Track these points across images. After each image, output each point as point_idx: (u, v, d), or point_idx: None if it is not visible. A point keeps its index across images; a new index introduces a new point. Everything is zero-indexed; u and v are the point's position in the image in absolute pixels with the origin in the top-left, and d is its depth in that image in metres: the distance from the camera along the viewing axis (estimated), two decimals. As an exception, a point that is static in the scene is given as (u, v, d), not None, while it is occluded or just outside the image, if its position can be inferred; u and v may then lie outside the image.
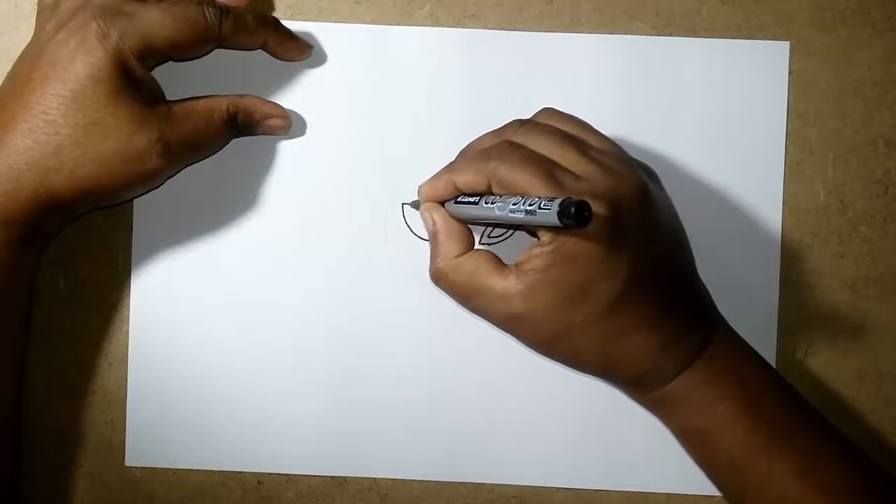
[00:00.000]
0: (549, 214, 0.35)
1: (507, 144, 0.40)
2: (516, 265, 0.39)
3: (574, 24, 0.46)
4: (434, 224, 0.42)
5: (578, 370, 0.42)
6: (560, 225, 0.34)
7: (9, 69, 0.41)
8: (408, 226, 0.45)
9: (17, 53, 0.41)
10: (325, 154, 0.46)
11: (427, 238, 0.45)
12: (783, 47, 0.45)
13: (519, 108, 0.45)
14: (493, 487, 0.46)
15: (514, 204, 0.37)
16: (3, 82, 0.41)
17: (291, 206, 0.46)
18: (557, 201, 0.34)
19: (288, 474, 0.46)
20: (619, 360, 0.40)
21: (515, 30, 0.46)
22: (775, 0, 0.46)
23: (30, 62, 0.40)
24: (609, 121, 0.45)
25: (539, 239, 0.39)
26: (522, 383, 0.45)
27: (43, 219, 0.40)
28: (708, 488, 0.44)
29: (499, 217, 0.38)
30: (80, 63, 0.39)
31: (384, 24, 0.46)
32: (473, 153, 0.42)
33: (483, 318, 0.41)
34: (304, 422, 0.45)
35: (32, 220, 0.40)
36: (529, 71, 0.45)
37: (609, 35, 0.46)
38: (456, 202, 0.41)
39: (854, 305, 0.46)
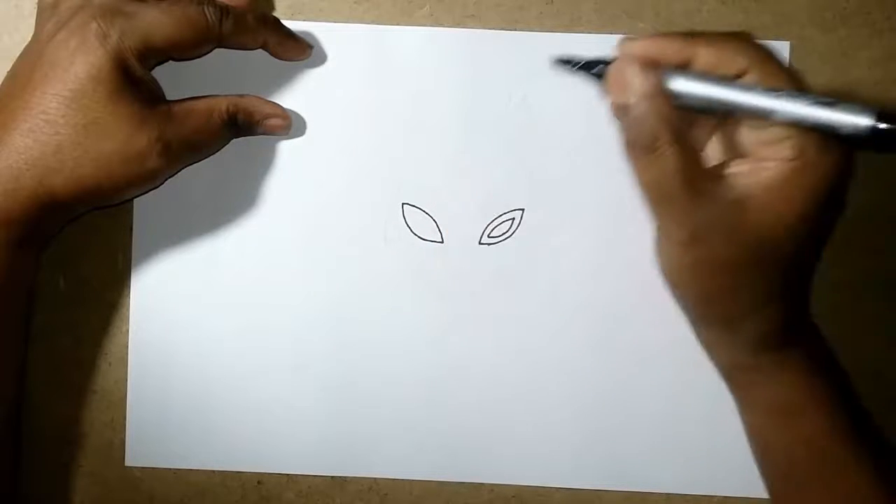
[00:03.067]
0: (860, 118, 0.33)
1: (767, 47, 0.37)
2: (727, 173, 0.37)
3: (574, 24, 0.46)
4: (647, 89, 0.36)
5: (720, 308, 0.39)
6: (866, 134, 0.32)
7: (9, 69, 0.41)
8: (408, 226, 0.45)
9: (17, 53, 0.41)
10: (325, 154, 0.46)
11: (427, 238, 0.45)
12: (783, 47, 0.45)
13: (518, 109, 0.45)
14: (493, 487, 0.46)
15: (794, 99, 0.34)
16: (3, 82, 0.41)
17: (291, 206, 0.46)
18: (873, 110, 0.32)
19: (288, 474, 0.46)
20: (771, 307, 0.38)
21: (515, 30, 0.46)
22: (775, 0, 0.46)
23: (30, 62, 0.40)
24: (609, 121, 0.45)
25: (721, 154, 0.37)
26: (522, 383, 0.45)
27: (43, 219, 0.40)
28: (707, 488, 0.44)
29: (762, 105, 0.35)
30: (80, 63, 0.39)
31: (384, 24, 0.46)
32: (719, 35, 0.38)
33: (671, 217, 0.37)
34: (305, 422, 0.45)
35: (32, 219, 0.40)
36: (529, 71, 0.45)
37: (609, 35, 0.45)
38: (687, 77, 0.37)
39: (854, 305, 0.46)
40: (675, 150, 0.36)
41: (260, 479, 0.46)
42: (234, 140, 0.44)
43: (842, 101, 0.33)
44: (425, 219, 0.45)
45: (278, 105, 0.44)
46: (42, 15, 0.42)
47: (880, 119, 0.32)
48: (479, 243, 0.45)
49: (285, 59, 0.45)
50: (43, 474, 0.46)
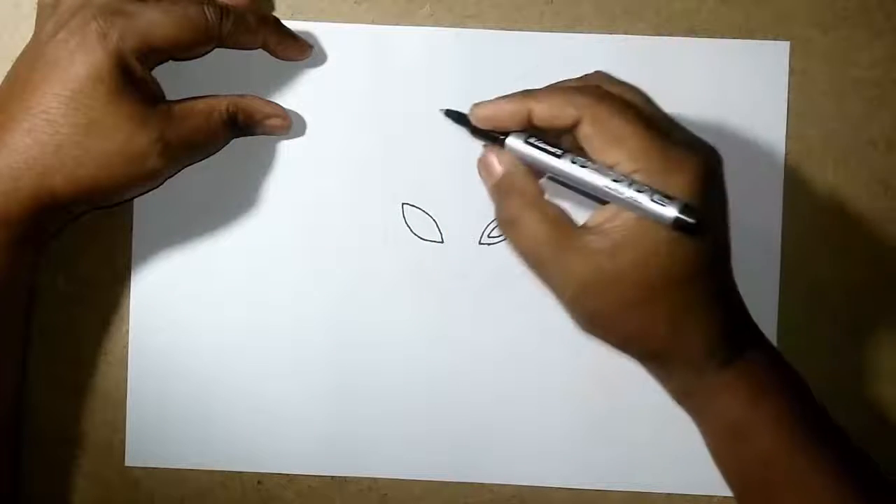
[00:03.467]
0: (663, 213, 0.34)
1: (602, 91, 0.38)
2: (590, 225, 0.38)
3: (574, 24, 0.46)
4: (502, 169, 0.39)
5: (632, 347, 0.40)
6: (669, 224, 0.34)
7: (9, 69, 0.41)
8: (408, 226, 0.46)
9: (17, 53, 0.41)
10: (325, 154, 0.46)
11: (427, 238, 0.45)
12: (783, 47, 0.45)
13: (519, 108, 0.45)
14: (493, 487, 0.46)
15: (617, 181, 0.36)
16: (3, 82, 0.41)
17: (291, 206, 0.46)
18: (677, 204, 0.34)
19: (288, 474, 0.46)
20: (686, 334, 0.39)
21: (515, 30, 0.46)
22: (775, 0, 0.46)
23: (30, 62, 0.40)
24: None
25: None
26: (523, 383, 0.45)
27: (43, 219, 0.40)
28: (708, 488, 0.44)
29: (586, 183, 0.37)
30: (80, 63, 0.39)
31: (384, 25, 0.46)
32: (560, 86, 0.40)
33: (552, 279, 0.39)
34: (304, 422, 0.45)
35: (32, 219, 0.40)
36: (529, 71, 0.45)
37: (609, 35, 0.46)
38: (528, 143, 0.39)
39: (854, 306, 0.46)
40: (537, 219, 0.38)
41: (260, 479, 0.46)
42: (234, 140, 0.44)
43: (652, 190, 0.35)
44: (425, 219, 0.45)
45: (278, 105, 0.44)
46: (42, 15, 0.42)
47: (682, 213, 0.34)
48: (479, 243, 0.45)
49: (285, 59, 0.45)
50: (43, 474, 0.46)
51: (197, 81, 0.45)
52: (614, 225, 0.37)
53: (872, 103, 0.46)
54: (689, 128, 0.45)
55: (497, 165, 0.40)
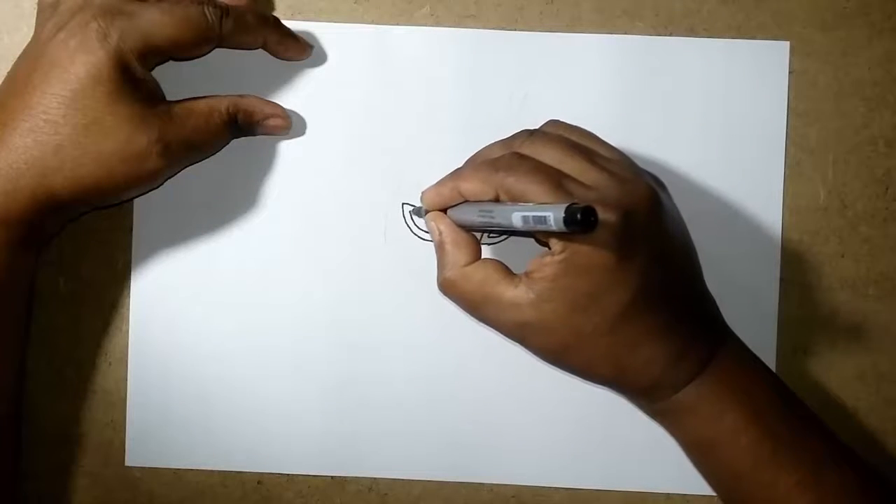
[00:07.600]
0: (556, 221, 0.35)
1: (516, 156, 0.40)
2: (526, 274, 0.39)
3: (574, 24, 0.46)
4: (440, 234, 0.42)
5: (588, 380, 0.42)
6: (566, 231, 0.34)
7: (9, 69, 0.41)
8: (408, 226, 0.45)
9: (17, 53, 0.41)
10: (325, 154, 0.46)
11: (427, 238, 0.45)
12: (783, 47, 0.45)
13: (519, 109, 0.45)
14: (493, 487, 0.46)
15: (518, 211, 0.37)
16: (3, 82, 0.41)
17: (291, 206, 0.46)
18: (563, 207, 0.34)
19: (288, 474, 0.46)
20: (629, 371, 0.40)
21: (515, 30, 0.46)
22: (775, 0, 0.46)
23: (30, 62, 0.40)
24: (609, 121, 0.45)
25: (549, 247, 0.39)
26: (522, 383, 0.45)
27: (43, 219, 0.40)
28: (707, 488, 0.43)
29: (504, 224, 0.38)
30: (81, 63, 0.39)
31: (384, 24, 0.46)
32: (480, 162, 0.42)
33: (492, 327, 0.41)
34: (305, 422, 0.45)
35: (32, 219, 0.40)
36: (529, 71, 0.45)
37: (609, 35, 0.46)
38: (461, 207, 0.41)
39: (854, 305, 0.46)
40: (473, 267, 0.40)
41: (260, 479, 0.46)
42: (234, 140, 0.44)
43: (550, 206, 0.36)
44: (425, 219, 0.45)
45: (278, 105, 0.44)
46: (42, 15, 0.42)
47: (567, 222, 0.34)
48: (480, 243, 0.45)
49: (285, 59, 0.45)
50: (43, 474, 0.46)
51: (197, 81, 0.45)
52: (542, 274, 0.38)
53: (872, 103, 0.46)
54: (689, 128, 0.45)
55: (437, 227, 0.42)
